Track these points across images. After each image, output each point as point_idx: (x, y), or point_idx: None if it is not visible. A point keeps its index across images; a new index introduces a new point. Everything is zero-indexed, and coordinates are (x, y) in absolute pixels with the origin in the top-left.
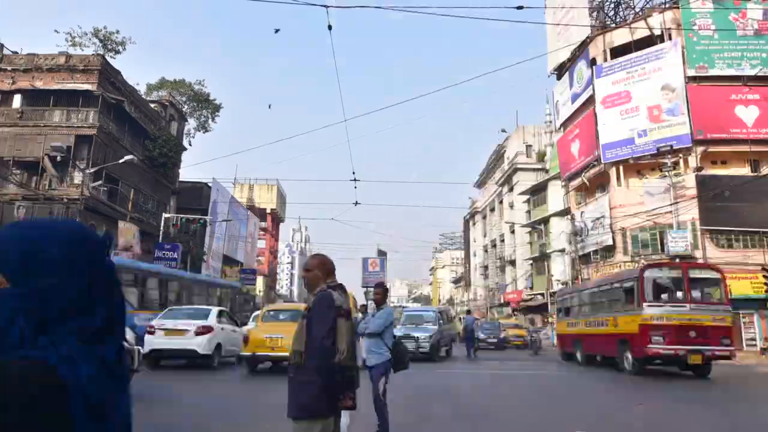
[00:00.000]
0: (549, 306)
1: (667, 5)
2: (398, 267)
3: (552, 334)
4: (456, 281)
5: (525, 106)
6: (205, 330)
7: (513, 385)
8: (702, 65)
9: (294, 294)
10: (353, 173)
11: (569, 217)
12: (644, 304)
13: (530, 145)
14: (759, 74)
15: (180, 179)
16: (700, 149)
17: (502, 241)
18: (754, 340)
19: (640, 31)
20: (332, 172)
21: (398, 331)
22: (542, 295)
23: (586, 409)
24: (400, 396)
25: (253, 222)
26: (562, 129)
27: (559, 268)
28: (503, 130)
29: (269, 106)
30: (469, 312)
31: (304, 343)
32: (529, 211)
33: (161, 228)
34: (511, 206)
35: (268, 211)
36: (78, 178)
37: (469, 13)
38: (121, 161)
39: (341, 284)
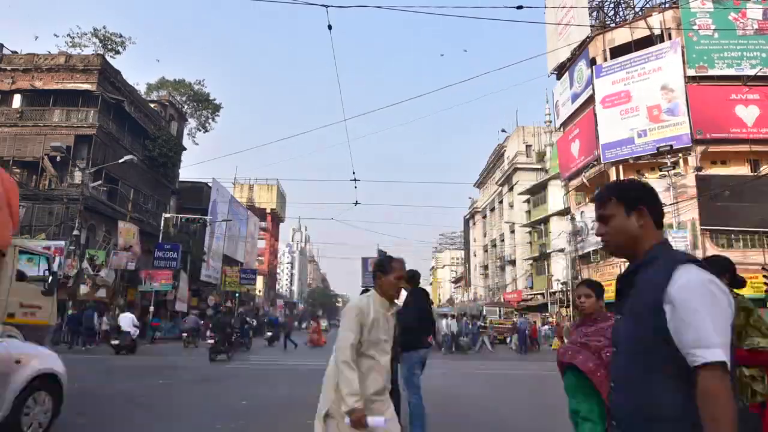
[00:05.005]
0: (549, 306)
1: (667, 5)
2: None
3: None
4: (456, 281)
5: (525, 106)
6: None
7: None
8: (702, 65)
9: (294, 294)
10: (353, 173)
11: (569, 217)
12: None
13: (530, 145)
14: (759, 74)
15: (180, 179)
16: (699, 149)
17: (502, 240)
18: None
19: (640, 31)
20: (332, 172)
21: None
22: (542, 294)
23: None
24: None
25: (253, 222)
26: (561, 129)
27: (559, 268)
28: (503, 130)
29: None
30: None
31: None
32: (529, 211)
33: (161, 228)
34: (511, 206)
35: (268, 211)
36: (78, 177)
37: (469, 12)
38: (120, 161)
39: None
